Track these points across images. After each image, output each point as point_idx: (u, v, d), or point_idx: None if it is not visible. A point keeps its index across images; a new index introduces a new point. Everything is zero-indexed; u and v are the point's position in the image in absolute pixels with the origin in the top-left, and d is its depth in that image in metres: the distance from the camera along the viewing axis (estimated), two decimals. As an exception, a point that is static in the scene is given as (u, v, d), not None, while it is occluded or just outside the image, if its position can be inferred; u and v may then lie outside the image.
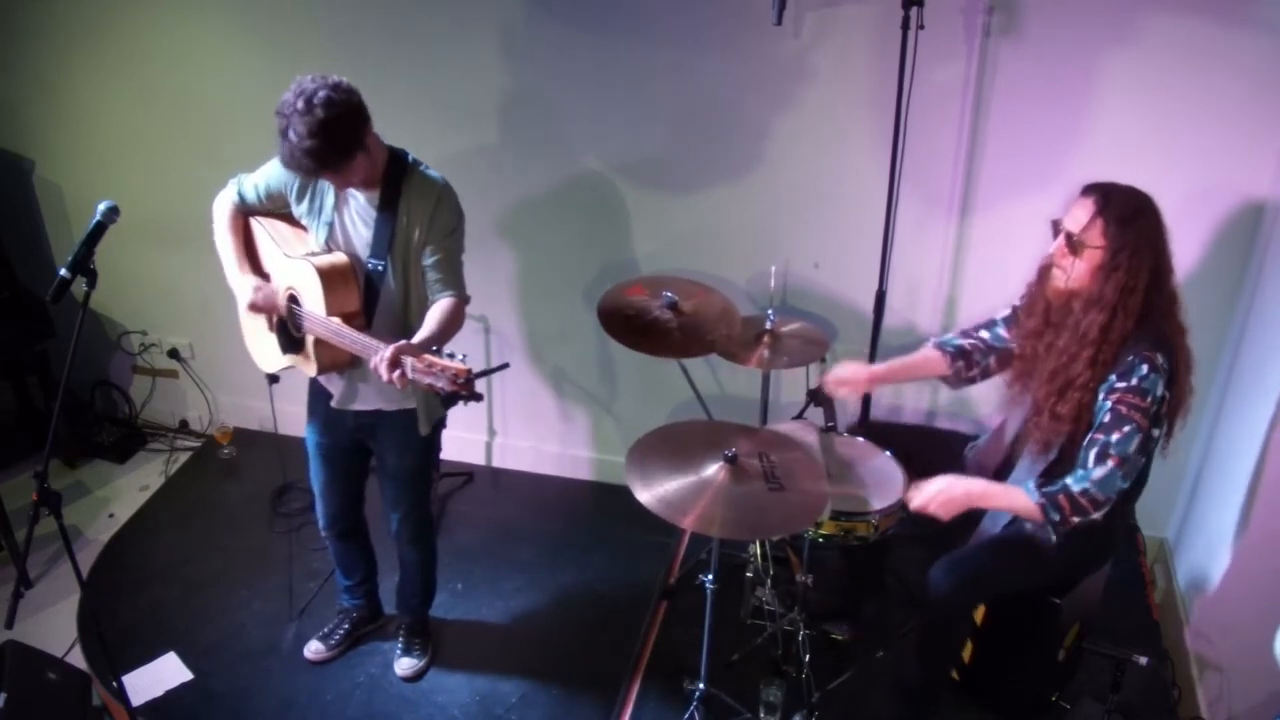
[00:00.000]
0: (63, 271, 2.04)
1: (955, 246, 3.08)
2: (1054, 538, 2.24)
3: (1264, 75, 2.61)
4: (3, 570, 3.29)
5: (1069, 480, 2.10)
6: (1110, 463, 2.06)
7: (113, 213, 2.12)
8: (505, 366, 2.11)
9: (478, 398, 1.96)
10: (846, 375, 2.54)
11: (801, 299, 3.25)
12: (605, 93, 3.13)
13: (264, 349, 2.58)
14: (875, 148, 2.92)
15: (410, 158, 2.34)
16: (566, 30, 3.06)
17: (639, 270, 3.33)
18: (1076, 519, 2.10)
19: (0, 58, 3.60)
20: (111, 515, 3.66)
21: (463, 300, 2.34)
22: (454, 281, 2.34)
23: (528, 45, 3.12)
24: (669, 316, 2.84)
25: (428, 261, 2.32)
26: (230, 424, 4.03)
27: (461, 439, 3.82)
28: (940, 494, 2.22)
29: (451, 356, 1.97)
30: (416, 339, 2.16)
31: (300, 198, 2.39)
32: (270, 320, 2.51)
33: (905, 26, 2.65)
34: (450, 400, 1.95)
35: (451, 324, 2.28)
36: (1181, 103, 2.71)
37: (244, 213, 2.50)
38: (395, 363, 2.01)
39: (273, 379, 2.67)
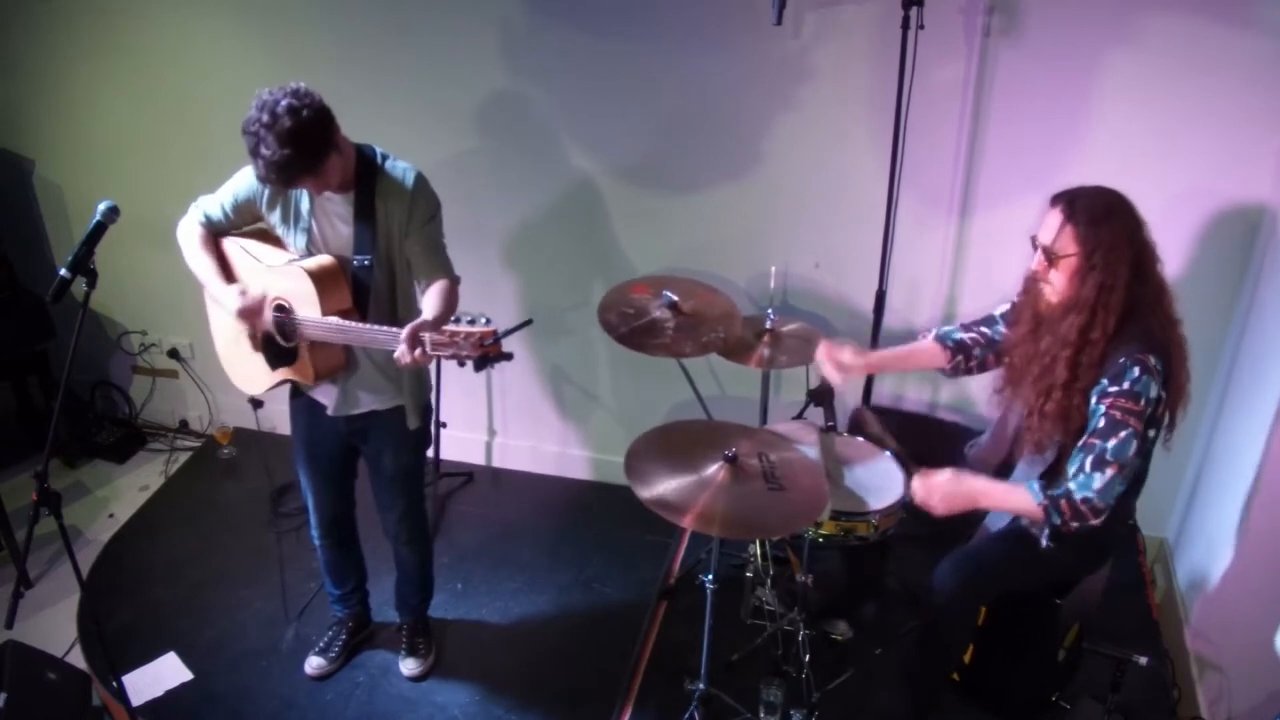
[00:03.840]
0: (63, 271, 2.04)
1: (955, 246, 3.08)
2: (1046, 541, 2.25)
3: (1264, 76, 2.61)
4: (3, 570, 3.29)
5: (1072, 485, 2.09)
6: (1110, 470, 2.06)
7: (113, 213, 2.12)
8: (529, 323, 2.11)
9: (507, 357, 2.01)
10: (846, 360, 2.46)
11: (802, 299, 3.25)
12: (606, 94, 3.13)
13: (249, 371, 2.54)
14: (875, 148, 2.92)
15: (378, 152, 2.34)
16: (567, 32, 3.06)
17: (638, 271, 3.33)
18: (1075, 524, 2.10)
19: (0, 58, 3.61)
20: (111, 515, 3.66)
21: (454, 281, 2.39)
22: (443, 265, 2.39)
23: (528, 46, 3.12)
24: (668, 316, 2.84)
25: (414, 251, 2.35)
26: (230, 424, 4.03)
27: (461, 439, 3.82)
28: (941, 488, 2.22)
29: (472, 322, 2.02)
30: (427, 317, 2.18)
31: (272, 206, 2.37)
32: (254, 339, 2.47)
33: (905, 26, 2.65)
34: (481, 364, 1.99)
35: (450, 303, 2.32)
36: (1181, 103, 2.70)
37: (213, 233, 2.46)
38: (414, 341, 2.05)
39: (257, 403, 2.62)
